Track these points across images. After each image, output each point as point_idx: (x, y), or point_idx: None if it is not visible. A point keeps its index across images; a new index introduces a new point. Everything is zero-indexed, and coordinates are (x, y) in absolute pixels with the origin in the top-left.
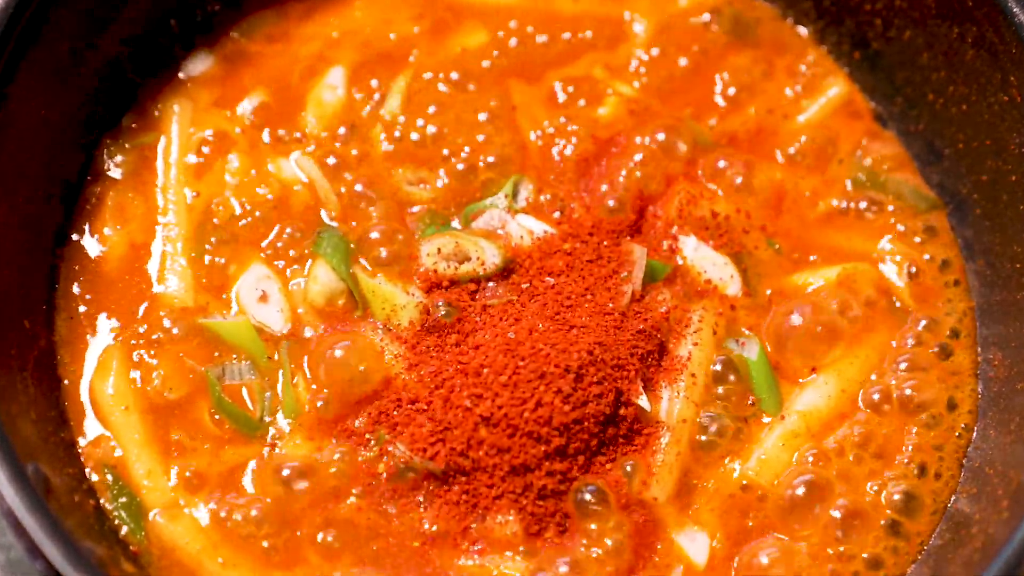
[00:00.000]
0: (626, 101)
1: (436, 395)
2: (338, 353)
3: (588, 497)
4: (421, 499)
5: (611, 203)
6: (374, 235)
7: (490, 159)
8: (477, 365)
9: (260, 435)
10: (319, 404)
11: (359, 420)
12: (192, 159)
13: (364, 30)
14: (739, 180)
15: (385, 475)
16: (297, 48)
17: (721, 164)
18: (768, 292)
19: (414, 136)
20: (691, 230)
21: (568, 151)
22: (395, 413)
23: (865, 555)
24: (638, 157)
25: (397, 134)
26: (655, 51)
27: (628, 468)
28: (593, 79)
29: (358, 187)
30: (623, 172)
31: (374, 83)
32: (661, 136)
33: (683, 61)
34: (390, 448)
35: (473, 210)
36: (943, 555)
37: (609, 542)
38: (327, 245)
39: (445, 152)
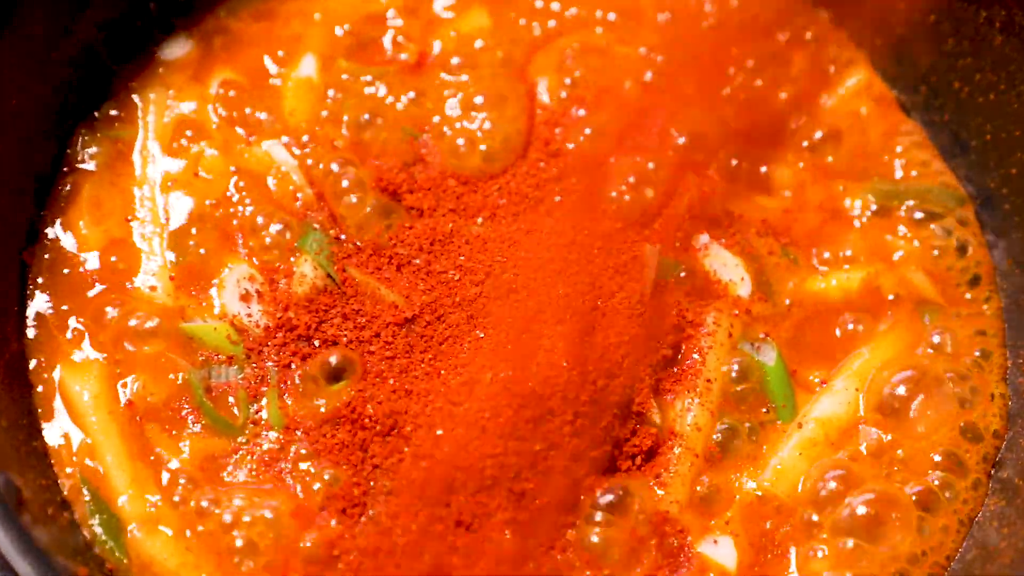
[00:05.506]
0: (638, 89)
1: (413, 425)
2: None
3: (604, 509)
4: (413, 520)
5: (614, 194)
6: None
7: (487, 147)
8: (459, 385)
9: (242, 442)
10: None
11: (341, 438)
12: (169, 151)
13: (347, 9)
14: (754, 176)
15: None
16: (280, 29)
17: (735, 159)
18: (787, 301)
19: (403, 123)
20: (704, 228)
21: (573, 144)
22: (373, 441)
23: (889, 569)
24: (649, 151)
25: (380, 120)
26: (671, 36)
27: (621, 492)
28: (603, 66)
29: (343, 182)
30: (633, 167)
31: (355, 68)
32: (672, 128)
33: (698, 48)
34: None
35: None
36: (969, 571)
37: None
38: (312, 241)
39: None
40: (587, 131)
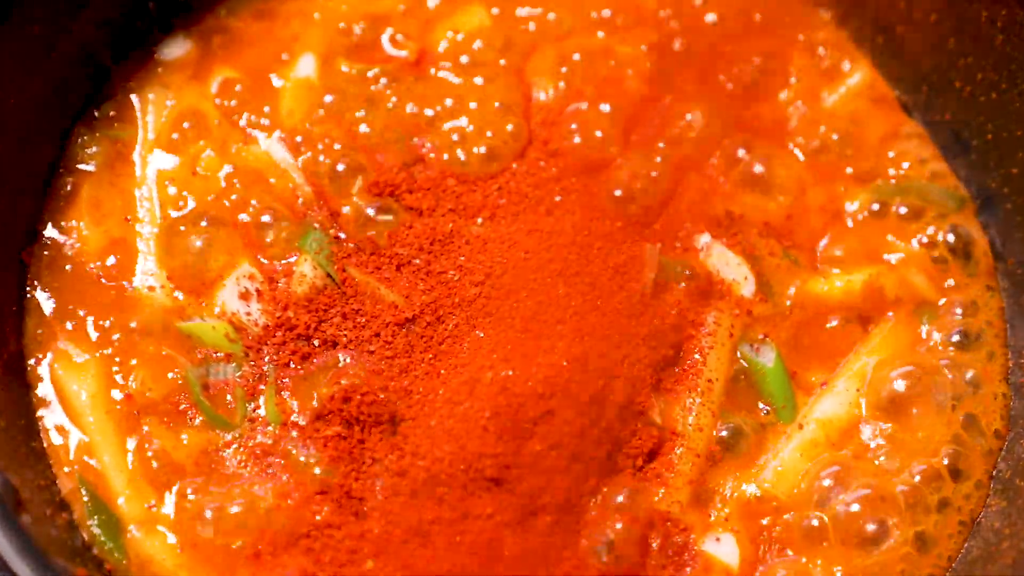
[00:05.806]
0: (638, 89)
1: (412, 424)
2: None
3: (606, 509)
4: (412, 519)
5: (618, 194)
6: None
7: (487, 147)
8: (459, 385)
9: (239, 438)
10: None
11: (339, 436)
12: (168, 151)
13: (347, 9)
14: (755, 176)
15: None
16: (280, 29)
17: (736, 158)
18: (788, 303)
19: (397, 121)
20: (705, 228)
21: (572, 144)
22: (372, 439)
23: (890, 570)
24: (649, 151)
25: (380, 120)
26: (672, 34)
27: (623, 492)
28: (602, 65)
29: (342, 182)
30: (633, 166)
31: (354, 67)
32: (673, 128)
33: (699, 46)
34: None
35: None
36: (971, 571)
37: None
38: (312, 241)
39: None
40: (587, 131)
